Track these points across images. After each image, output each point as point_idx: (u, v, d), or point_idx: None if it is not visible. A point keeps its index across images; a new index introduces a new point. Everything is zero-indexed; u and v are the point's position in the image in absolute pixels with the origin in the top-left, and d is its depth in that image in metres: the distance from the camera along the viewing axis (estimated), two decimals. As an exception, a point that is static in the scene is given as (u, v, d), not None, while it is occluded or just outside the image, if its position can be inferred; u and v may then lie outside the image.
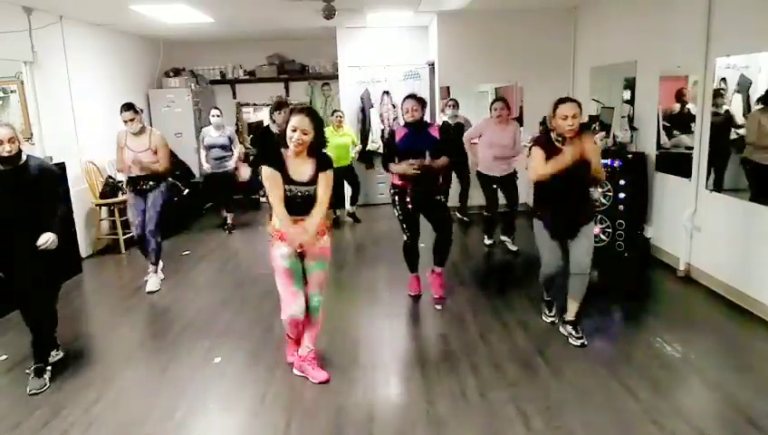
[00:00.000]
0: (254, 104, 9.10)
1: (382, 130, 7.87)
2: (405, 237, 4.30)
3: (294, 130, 2.92)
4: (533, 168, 3.44)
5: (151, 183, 4.78)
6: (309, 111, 2.98)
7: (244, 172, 5.35)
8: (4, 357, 3.71)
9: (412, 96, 4.16)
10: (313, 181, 3.03)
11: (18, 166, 3.23)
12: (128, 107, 4.70)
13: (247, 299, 4.63)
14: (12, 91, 6.44)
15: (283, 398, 3.06)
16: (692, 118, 4.58)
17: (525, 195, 7.30)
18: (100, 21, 6.46)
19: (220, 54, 8.89)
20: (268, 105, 9.18)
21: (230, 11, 6.32)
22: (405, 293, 4.51)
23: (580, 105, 3.37)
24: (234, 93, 9.14)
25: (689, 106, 4.69)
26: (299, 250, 3.07)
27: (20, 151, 3.24)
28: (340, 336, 3.79)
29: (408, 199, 4.12)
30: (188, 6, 5.78)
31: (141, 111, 4.92)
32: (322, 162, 3.07)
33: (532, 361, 3.36)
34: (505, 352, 3.48)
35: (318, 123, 2.99)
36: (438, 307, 4.28)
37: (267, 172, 3.00)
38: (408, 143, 4.09)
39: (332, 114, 7.01)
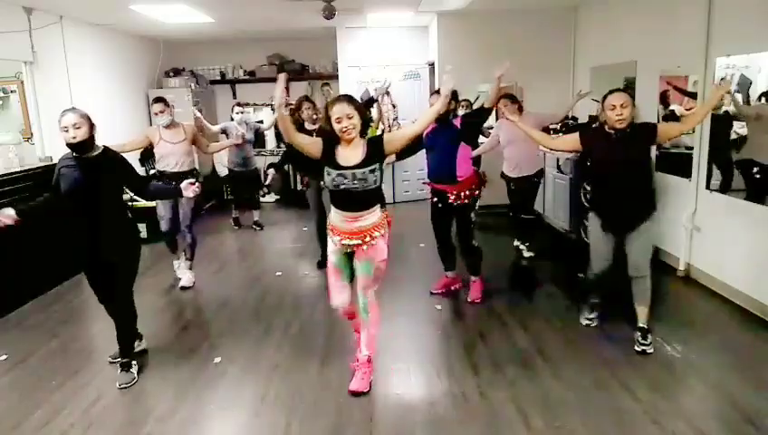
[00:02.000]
0: (255, 104, 9.09)
1: (382, 131, 7.86)
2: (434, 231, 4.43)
3: (339, 121, 2.87)
4: (561, 137, 3.64)
5: (182, 181, 4.84)
6: (344, 97, 2.95)
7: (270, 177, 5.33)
8: (4, 357, 3.70)
9: (436, 92, 4.13)
10: (363, 164, 2.90)
11: (92, 156, 3.20)
12: (158, 99, 4.84)
13: (247, 299, 4.63)
14: (12, 91, 6.44)
15: (283, 398, 3.06)
16: (676, 119, 4.67)
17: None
18: (100, 21, 6.46)
19: (220, 54, 8.89)
20: (268, 105, 9.23)
21: (230, 11, 6.32)
22: (405, 293, 4.52)
23: (632, 96, 3.34)
24: (234, 93, 9.14)
25: (673, 108, 4.79)
26: (348, 250, 3.05)
27: (92, 139, 3.20)
28: (339, 337, 3.79)
29: (432, 198, 4.27)
30: (188, 6, 5.78)
31: (173, 105, 5.00)
32: (375, 143, 2.98)
33: (532, 361, 3.36)
34: (505, 352, 3.48)
35: (356, 104, 2.95)
36: (438, 307, 4.28)
37: (314, 138, 3.11)
38: (434, 138, 4.11)
39: None
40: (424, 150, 4.25)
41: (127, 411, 3.02)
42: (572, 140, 3.55)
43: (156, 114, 4.77)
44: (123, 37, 7.34)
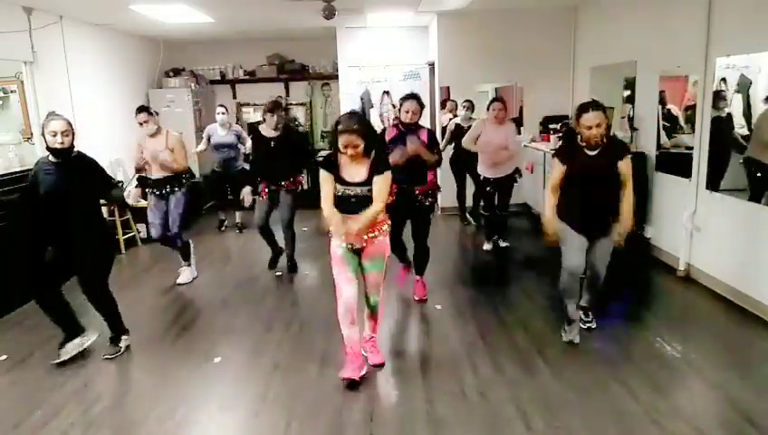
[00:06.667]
0: (255, 104, 9.09)
1: (382, 130, 7.87)
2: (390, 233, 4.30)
3: (346, 147, 2.99)
4: (552, 178, 3.48)
5: (170, 186, 4.80)
6: (353, 126, 2.97)
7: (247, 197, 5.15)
8: (4, 357, 3.70)
9: (414, 97, 4.07)
10: (367, 182, 3.07)
11: (69, 159, 3.33)
12: (141, 109, 4.76)
13: (247, 299, 4.63)
14: (12, 91, 6.44)
15: (283, 398, 3.06)
16: (675, 119, 4.74)
17: (526, 196, 7.31)
18: (100, 21, 6.46)
19: (220, 54, 8.90)
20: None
21: (230, 11, 6.32)
22: (403, 292, 4.51)
23: (604, 110, 3.29)
24: (234, 93, 9.15)
25: (669, 107, 4.82)
26: (356, 247, 3.15)
27: (73, 146, 3.35)
28: (339, 337, 3.78)
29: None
30: (188, 6, 5.78)
31: (157, 113, 4.94)
32: (377, 164, 3.09)
33: (532, 361, 3.36)
34: (505, 352, 3.48)
35: (364, 129, 3.02)
36: (438, 307, 4.28)
37: (322, 174, 3.13)
38: (397, 144, 4.03)
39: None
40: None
41: (127, 411, 3.02)
42: (559, 171, 3.42)
43: (140, 124, 4.73)
44: (123, 37, 7.34)
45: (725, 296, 4.18)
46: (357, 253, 3.20)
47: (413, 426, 2.77)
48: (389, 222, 3.29)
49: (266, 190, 5.00)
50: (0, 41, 4.97)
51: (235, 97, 9.14)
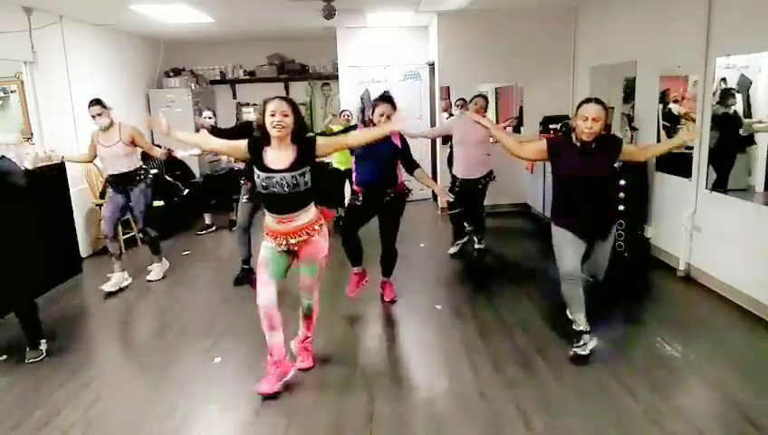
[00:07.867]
0: (254, 104, 9.09)
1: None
2: (342, 226, 4.26)
3: (273, 115, 2.83)
4: (530, 144, 3.48)
5: (127, 182, 4.80)
6: (284, 97, 2.92)
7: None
8: (4, 358, 3.71)
9: (389, 100, 3.92)
10: (292, 168, 2.90)
11: None
12: (94, 102, 4.68)
13: (247, 299, 4.62)
14: (12, 91, 6.45)
15: (283, 398, 3.06)
16: (675, 118, 4.73)
17: (526, 194, 7.31)
18: (100, 21, 6.46)
19: (220, 54, 8.90)
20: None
21: (230, 11, 6.32)
22: (405, 293, 4.51)
23: (606, 108, 3.15)
24: (234, 93, 9.15)
25: (670, 106, 4.82)
26: (291, 248, 3.06)
27: None
28: (339, 336, 3.79)
29: (359, 203, 4.08)
30: (188, 6, 5.78)
31: (110, 108, 4.85)
32: (306, 146, 2.94)
33: (532, 361, 3.36)
34: (505, 352, 3.48)
35: (295, 107, 2.92)
36: (438, 307, 4.28)
37: (242, 141, 3.00)
38: (369, 147, 3.81)
39: (341, 114, 6.99)
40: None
41: (127, 411, 3.02)
42: (540, 150, 3.38)
43: (93, 117, 4.66)
44: (123, 37, 7.34)
45: (725, 296, 4.18)
46: (291, 255, 3.11)
47: (413, 426, 2.77)
48: (326, 221, 3.20)
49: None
50: (0, 41, 4.97)
51: (234, 97, 9.14)
